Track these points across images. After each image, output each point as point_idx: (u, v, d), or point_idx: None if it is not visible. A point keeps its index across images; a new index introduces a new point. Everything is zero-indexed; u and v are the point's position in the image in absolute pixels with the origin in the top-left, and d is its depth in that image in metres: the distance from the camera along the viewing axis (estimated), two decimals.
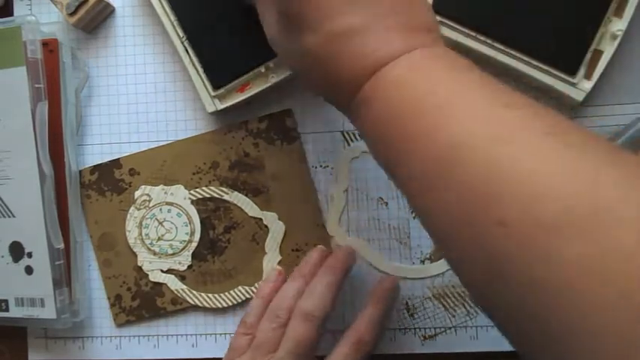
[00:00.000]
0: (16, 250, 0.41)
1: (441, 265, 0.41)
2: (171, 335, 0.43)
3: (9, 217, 0.41)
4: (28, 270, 0.41)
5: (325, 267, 0.38)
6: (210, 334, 0.43)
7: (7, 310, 0.42)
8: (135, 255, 0.43)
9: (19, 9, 0.45)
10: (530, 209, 0.20)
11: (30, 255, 0.41)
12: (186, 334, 0.43)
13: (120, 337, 0.44)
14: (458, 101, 0.24)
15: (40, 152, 0.40)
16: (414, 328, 0.41)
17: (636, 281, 0.18)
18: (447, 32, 0.38)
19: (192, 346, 0.43)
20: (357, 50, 0.26)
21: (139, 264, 0.43)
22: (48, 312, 0.41)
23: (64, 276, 0.41)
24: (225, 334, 0.43)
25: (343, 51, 0.27)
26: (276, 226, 0.42)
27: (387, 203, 0.41)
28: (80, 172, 0.44)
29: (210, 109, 0.40)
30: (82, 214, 0.44)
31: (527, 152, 0.21)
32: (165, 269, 0.43)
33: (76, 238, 0.42)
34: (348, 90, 0.27)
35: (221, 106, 0.40)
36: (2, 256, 0.42)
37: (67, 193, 0.42)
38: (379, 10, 0.27)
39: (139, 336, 0.44)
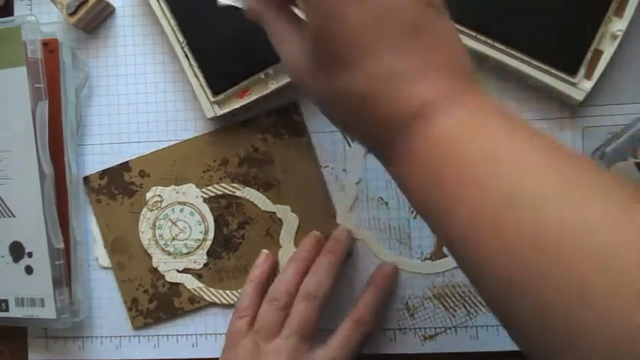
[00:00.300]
0: (16, 250, 0.41)
1: (442, 264, 0.41)
2: (171, 335, 0.43)
3: (9, 217, 0.41)
4: (28, 270, 0.41)
5: (325, 249, 0.39)
6: (211, 334, 0.43)
7: (7, 310, 0.42)
8: (150, 257, 0.43)
9: (19, 9, 0.45)
10: (614, 280, 0.19)
11: (30, 255, 0.41)
12: (187, 334, 0.43)
13: (120, 337, 0.44)
14: (509, 155, 0.23)
15: (40, 152, 0.40)
16: (414, 328, 0.41)
17: None
18: None
19: (193, 346, 0.43)
20: (398, 94, 0.25)
21: (155, 265, 0.43)
22: (48, 312, 0.41)
23: (64, 276, 0.41)
24: (223, 334, 0.43)
25: (384, 94, 0.25)
26: (289, 219, 0.42)
27: (387, 203, 0.41)
28: (89, 177, 0.44)
29: (210, 114, 0.40)
30: (81, 214, 0.44)
31: (592, 210, 0.21)
32: (181, 269, 0.43)
33: (76, 238, 0.42)
34: (387, 135, 0.26)
35: (220, 111, 0.40)
36: (2, 256, 0.42)
37: (67, 193, 0.42)
38: (424, 52, 0.25)
39: (138, 336, 0.44)
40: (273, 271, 0.41)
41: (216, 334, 0.43)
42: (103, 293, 0.44)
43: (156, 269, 0.43)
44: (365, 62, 0.25)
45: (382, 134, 0.26)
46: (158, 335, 0.43)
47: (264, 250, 0.41)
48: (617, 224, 0.20)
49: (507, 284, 0.22)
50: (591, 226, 0.20)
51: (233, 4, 0.32)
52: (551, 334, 0.21)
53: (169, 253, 0.43)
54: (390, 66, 0.25)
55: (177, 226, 0.43)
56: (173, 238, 0.43)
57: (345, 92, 0.26)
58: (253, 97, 0.40)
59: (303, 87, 0.29)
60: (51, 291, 0.41)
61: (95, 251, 0.44)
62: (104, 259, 0.44)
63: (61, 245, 0.41)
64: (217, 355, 0.43)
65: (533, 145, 0.23)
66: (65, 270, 0.41)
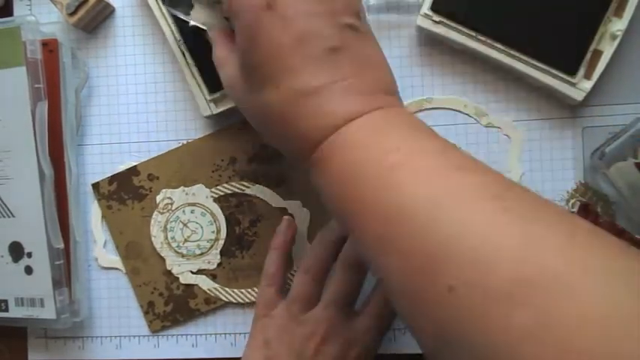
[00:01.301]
0: (16, 250, 0.41)
1: None
2: (172, 335, 0.43)
3: (9, 217, 0.41)
4: (28, 270, 0.41)
5: None
6: (211, 334, 0.43)
7: (6, 310, 0.42)
8: (163, 260, 0.43)
9: (19, 9, 0.45)
10: (480, 277, 0.20)
11: (30, 255, 0.41)
12: (187, 334, 0.43)
13: (120, 337, 0.44)
14: (411, 164, 0.24)
15: (40, 152, 0.40)
16: None
17: (576, 353, 0.18)
18: (446, 32, 0.38)
19: (192, 345, 0.43)
20: (316, 109, 0.27)
21: (168, 268, 0.43)
22: (48, 312, 0.41)
23: (63, 276, 0.41)
24: (222, 333, 0.43)
25: (303, 109, 0.27)
26: (301, 214, 0.42)
27: None
28: (99, 183, 0.44)
29: (206, 112, 0.40)
30: (81, 214, 0.44)
31: (476, 217, 0.22)
32: (195, 270, 0.43)
33: (76, 238, 0.42)
34: (306, 147, 0.28)
35: (217, 110, 0.40)
36: (2, 256, 0.42)
37: (67, 193, 0.42)
38: (341, 71, 0.27)
39: (139, 336, 0.44)
40: (295, 236, 0.40)
41: (216, 334, 0.43)
42: (103, 293, 0.44)
43: (170, 272, 0.43)
44: (284, 80, 0.27)
45: (303, 147, 0.28)
46: (158, 335, 0.43)
47: (286, 217, 0.41)
48: (496, 228, 0.21)
49: (411, 288, 0.23)
50: (472, 228, 0.21)
51: (200, 26, 0.35)
52: (423, 322, 0.22)
53: (183, 255, 0.43)
54: (306, 84, 0.27)
55: (189, 227, 0.43)
56: (185, 240, 0.43)
57: (267, 107, 0.28)
58: None
59: (236, 102, 0.32)
60: (51, 291, 0.41)
61: (95, 251, 0.44)
62: (104, 259, 0.44)
63: (61, 245, 0.41)
64: (217, 355, 0.43)
65: (427, 151, 0.25)
66: (65, 270, 0.41)
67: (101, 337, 0.44)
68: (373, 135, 0.26)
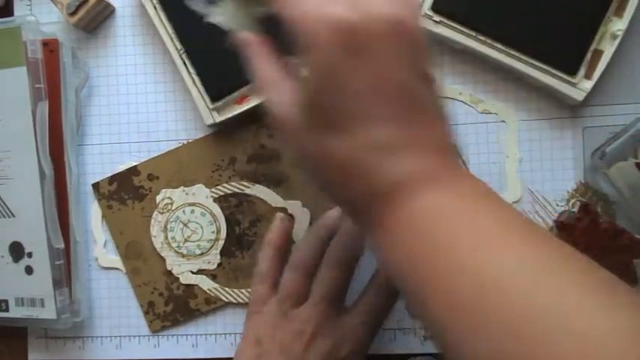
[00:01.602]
0: (16, 250, 0.41)
1: None
2: (172, 335, 0.43)
3: (9, 217, 0.41)
4: (28, 270, 0.41)
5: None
6: (211, 334, 0.43)
7: (7, 310, 0.42)
8: (163, 260, 0.43)
9: (19, 9, 0.45)
10: None
11: (30, 255, 0.41)
12: (187, 334, 0.43)
13: (120, 337, 0.44)
14: (493, 241, 0.23)
15: (40, 152, 0.40)
16: (414, 328, 0.41)
17: None
18: (447, 32, 0.38)
19: (193, 345, 0.43)
20: (381, 166, 0.25)
21: (169, 268, 0.43)
22: (48, 312, 0.41)
23: (64, 276, 0.41)
24: (222, 333, 0.43)
25: (366, 163, 0.25)
26: (301, 214, 0.42)
27: None
28: (99, 183, 0.44)
29: (209, 121, 0.41)
30: (81, 214, 0.44)
31: (576, 309, 0.20)
32: (195, 270, 0.43)
33: (76, 238, 0.42)
34: (363, 204, 0.26)
35: (219, 118, 0.40)
36: (2, 256, 0.42)
37: (67, 193, 0.42)
38: (412, 127, 0.25)
39: (139, 336, 0.44)
40: (290, 234, 0.40)
41: (216, 334, 0.43)
42: (103, 293, 0.44)
43: (170, 272, 0.43)
44: (358, 129, 0.25)
45: (360, 202, 0.26)
46: (158, 335, 0.43)
47: (279, 214, 0.40)
48: (594, 315, 0.20)
49: None
50: (568, 313, 0.20)
51: (223, 24, 0.32)
52: None
53: (183, 255, 0.43)
54: (380, 137, 0.24)
55: (189, 227, 0.43)
56: (186, 240, 0.43)
57: (330, 155, 0.26)
58: (252, 104, 0.40)
59: (287, 139, 0.28)
60: (51, 291, 0.41)
61: (95, 251, 0.44)
62: (104, 259, 0.44)
63: (61, 245, 0.41)
64: (218, 355, 0.43)
65: (509, 231, 0.23)
66: (65, 270, 0.41)
67: (101, 337, 0.44)
68: (447, 205, 0.24)
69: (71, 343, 0.44)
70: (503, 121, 0.41)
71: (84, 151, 0.44)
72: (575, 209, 0.39)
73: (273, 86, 0.28)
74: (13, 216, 0.41)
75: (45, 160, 0.40)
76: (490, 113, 0.41)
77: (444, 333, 0.23)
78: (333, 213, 0.38)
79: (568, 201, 0.40)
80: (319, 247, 0.37)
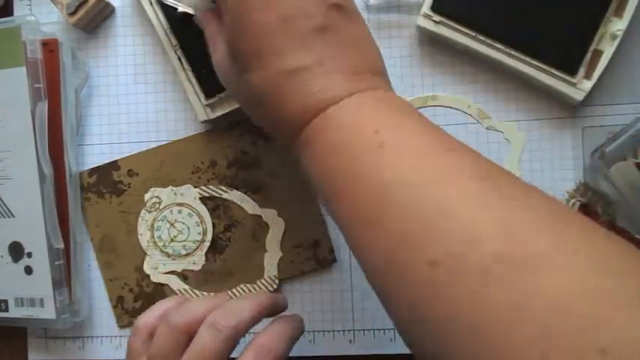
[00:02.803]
0: (16, 250, 0.41)
1: None
2: None
3: (9, 217, 0.41)
4: (28, 270, 0.41)
5: (256, 295, 0.33)
6: None
7: (6, 310, 0.42)
8: (137, 256, 0.43)
9: (19, 9, 0.45)
10: (461, 252, 0.21)
11: (30, 255, 0.41)
12: None
13: (120, 337, 0.44)
14: (398, 143, 0.25)
15: (40, 152, 0.40)
16: None
17: (544, 328, 0.18)
18: (447, 32, 0.38)
19: None
20: (302, 89, 0.27)
21: (154, 266, 0.43)
22: (47, 312, 0.41)
23: (63, 276, 0.41)
24: None
25: (289, 89, 0.27)
26: (276, 223, 0.42)
27: None
28: (79, 174, 0.44)
29: (202, 117, 0.41)
30: (82, 215, 0.44)
31: (462, 195, 0.22)
32: (180, 270, 0.43)
33: (76, 238, 0.42)
34: (293, 128, 0.28)
35: (213, 115, 0.40)
36: (2, 256, 0.42)
37: (67, 193, 0.42)
38: (327, 51, 0.27)
39: None
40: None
41: None
42: (103, 293, 0.44)
43: (142, 269, 0.43)
44: (269, 61, 0.27)
45: (291, 128, 0.28)
46: None
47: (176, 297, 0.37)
48: (481, 206, 0.22)
49: (392, 261, 0.23)
50: (457, 204, 0.22)
51: (189, 11, 0.36)
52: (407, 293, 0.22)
53: (168, 255, 0.43)
54: (291, 64, 0.27)
55: (176, 227, 0.43)
56: (172, 240, 0.43)
57: (254, 89, 0.28)
58: None
59: (224, 84, 0.32)
60: (50, 291, 0.41)
61: (95, 251, 0.44)
62: None
63: (61, 245, 0.41)
64: None
65: (415, 132, 0.25)
66: (65, 270, 0.41)
67: (101, 337, 0.44)
68: (360, 115, 0.26)
69: (71, 343, 0.44)
70: (508, 140, 0.40)
71: (84, 151, 0.44)
72: (575, 209, 0.39)
73: (214, 43, 0.32)
74: (13, 216, 0.41)
75: (44, 160, 0.40)
76: (496, 131, 0.41)
77: (349, 231, 0.25)
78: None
79: (568, 201, 0.40)
80: (206, 310, 0.31)
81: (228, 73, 0.30)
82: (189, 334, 0.31)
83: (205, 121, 0.41)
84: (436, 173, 0.23)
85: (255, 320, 0.32)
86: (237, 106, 0.40)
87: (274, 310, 0.34)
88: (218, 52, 0.31)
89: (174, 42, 0.40)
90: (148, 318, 0.33)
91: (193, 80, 0.40)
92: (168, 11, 0.40)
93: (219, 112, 0.40)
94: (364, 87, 0.27)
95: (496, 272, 0.20)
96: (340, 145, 0.26)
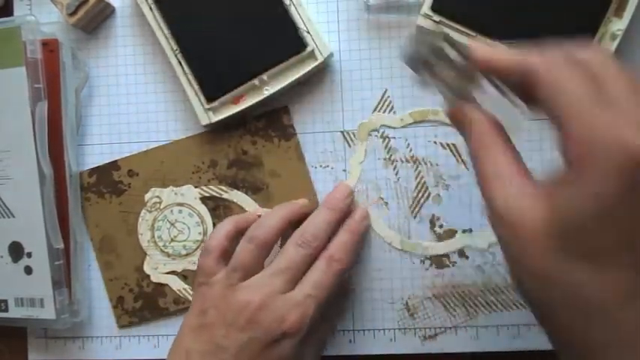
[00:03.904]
0: (16, 250, 0.41)
1: (442, 265, 0.41)
2: (171, 335, 0.43)
3: (9, 217, 0.41)
4: (28, 270, 0.41)
5: (324, 207, 0.38)
6: None
7: (6, 310, 0.42)
8: (137, 256, 0.43)
9: (19, 9, 0.45)
10: None
11: (29, 255, 0.41)
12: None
13: (120, 337, 0.44)
14: None
15: (40, 152, 0.40)
16: (414, 328, 0.41)
17: None
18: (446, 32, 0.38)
19: None
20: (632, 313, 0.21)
21: (154, 266, 0.43)
22: (47, 312, 0.41)
23: (63, 276, 0.41)
24: None
25: (618, 311, 0.21)
26: None
27: (387, 203, 0.41)
28: (80, 174, 0.44)
29: (204, 121, 0.41)
30: (82, 215, 0.44)
31: None
32: (180, 270, 0.43)
33: (76, 239, 0.42)
34: (598, 351, 0.22)
35: (214, 118, 0.40)
36: (2, 257, 0.42)
37: (67, 193, 0.42)
38: None
39: (139, 336, 0.44)
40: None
41: None
42: (103, 293, 0.44)
43: (142, 269, 0.43)
44: (609, 269, 0.21)
45: (590, 349, 0.22)
46: (158, 335, 0.43)
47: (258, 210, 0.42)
48: None
49: None
50: None
51: (423, 83, 0.28)
52: None
53: (168, 255, 0.43)
54: (628, 280, 0.21)
55: (176, 227, 0.43)
56: (172, 240, 0.43)
57: (577, 292, 0.21)
58: (247, 104, 0.40)
59: (519, 255, 0.23)
60: (50, 291, 0.41)
61: (95, 251, 0.44)
62: None
63: (61, 245, 0.41)
64: None
65: None
66: (65, 270, 0.41)
67: (101, 337, 0.44)
68: None
69: (71, 343, 0.44)
70: None
71: (84, 151, 0.44)
72: None
73: (504, 181, 0.24)
74: (13, 216, 0.41)
75: (44, 160, 0.40)
76: None
77: None
78: (301, 201, 0.40)
79: None
80: (282, 225, 0.37)
81: (537, 246, 0.22)
82: (268, 247, 0.36)
83: (207, 125, 0.41)
84: None
85: (330, 230, 0.37)
86: (239, 109, 0.40)
87: (346, 213, 0.39)
88: (519, 198, 0.23)
89: (175, 46, 0.40)
90: (219, 239, 0.37)
91: (194, 84, 0.40)
92: (168, 15, 0.40)
93: (220, 116, 0.40)
94: None
95: None
96: None
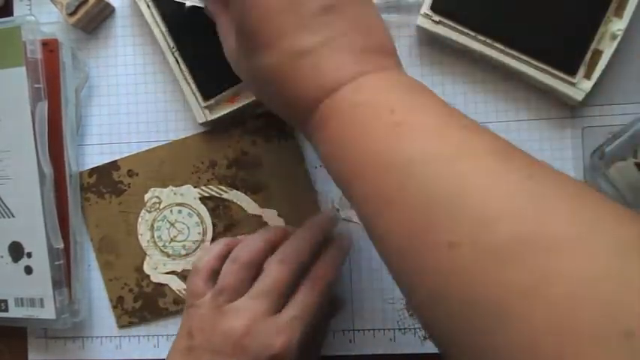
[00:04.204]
0: (16, 250, 0.41)
1: None
2: (172, 335, 0.43)
3: (9, 217, 0.41)
4: (28, 270, 0.41)
5: (308, 225, 0.37)
6: None
7: (6, 310, 0.42)
8: (137, 256, 0.43)
9: (19, 9, 0.45)
10: (480, 232, 0.20)
11: (29, 255, 0.41)
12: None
13: (120, 337, 0.44)
14: (413, 120, 0.24)
15: (40, 152, 0.40)
16: (414, 328, 0.41)
17: (564, 313, 0.18)
18: (447, 32, 0.38)
19: None
20: (313, 70, 0.27)
21: (154, 266, 0.43)
22: (47, 312, 0.41)
23: (63, 276, 0.41)
24: None
25: (299, 71, 0.27)
26: (275, 223, 0.42)
27: None
28: (80, 174, 0.44)
29: (201, 119, 0.41)
30: (82, 215, 0.44)
31: (480, 173, 0.22)
32: (180, 270, 0.43)
33: (76, 238, 0.42)
34: (304, 110, 0.27)
35: (211, 116, 0.40)
36: (2, 256, 0.42)
37: (67, 193, 0.42)
38: (336, 31, 0.27)
39: (139, 336, 0.44)
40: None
41: None
42: (103, 293, 0.44)
43: (141, 269, 0.43)
44: (278, 42, 0.27)
45: (302, 110, 0.27)
46: (158, 335, 0.43)
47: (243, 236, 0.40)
48: (500, 185, 0.21)
49: (412, 244, 0.22)
50: (475, 183, 0.21)
51: (197, 4, 0.35)
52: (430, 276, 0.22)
53: (168, 255, 0.43)
54: (300, 44, 0.26)
55: (176, 227, 0.43)
56: (172, 240, 0.43)
57: (264, 72, 0.28)
58: (244, 102, 0.40)
59: (237, 72, 0.32)
60: (50, 291, 0.41)
61: (95, 251, 0.44)
62: None
63: (61, 245, 0.41)
64: None
65: (430, 111, 0.25)
66: (65, 270, 0.41)
67: (101, 337, 0.44)
68: (375, 95, 0.26)
69: (71, 343, 0.44)
70: None
71: (84, 151, 0.44)
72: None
73: (226, 32, 0.32)
74: (13, 216, 0.41)
75: (44, 160, 0.40)
76: None
77: (366, 212, 0.25)
78: (288, 227, 0.39)
79: None
80: (264, 245, 0.36)
81: (238, 58, 0.30)
82: (253, 267, 0.35)
83: (204, 123, 0.41)
84: (454, 150, 0.23)
85: (313, 249, 0.36)
86: (235, 107, 0.40)
87: (329, 233, 0.38)
88: (229, 41, 0.31)
89: (172, 44, 0.40)
90: (208, 259, 0.36)
91: (191, 82, 0.40)
92: (166, 13, 0.40)
93: (217, 114, 0.40)
94: (375, 67, 0.27)
95: (514, 253, 0.19)
96: (356, 125, 0.25)
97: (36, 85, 0.40)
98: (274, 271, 0.34)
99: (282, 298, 0.34)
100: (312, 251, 0.36)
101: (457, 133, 0.24)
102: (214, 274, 0.36)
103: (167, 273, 0.43)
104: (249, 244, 0.36)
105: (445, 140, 0.23)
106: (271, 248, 0.36)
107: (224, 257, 0.36)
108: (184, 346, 0.34)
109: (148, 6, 0.41)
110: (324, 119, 0.27)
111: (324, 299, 0.35)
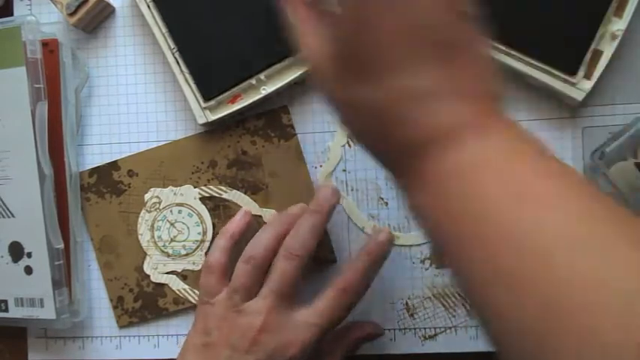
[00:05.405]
0: (16, 250, 0.41)
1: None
2: (172, 335, 0.43)
3: (9, 217, 0.41)
4: (28, 270, 0.41)
5: (310, 211, 0.37)
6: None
7: (6, 310, 0.42)
8: (137, 256, 0.43)
9: (19, 9, 0.45)
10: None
11: (29, 255, 0.41)
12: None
13: (120, 337, 0.44)
14: (539, 192, 0.22)
15: (40, 152, 0.40)
16: (414, 328, 0.41)
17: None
18: None
19: None
20: (420, 116, 0.24)
21: (154, 266, 0.43)
22: (47, 312, 0.41)
23: (63, 276, 0.41)
24: None
25: (405, 113, 0.24)
26: None
27: (387, 203, 0.41)
28: (80, 174, 0.44)
29: (201, 120, 0.41)
30: (82, 215, 0.44)
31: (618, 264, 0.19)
32: (180, 270, 0.43)
33: (76, 238, 0.42)
34: (401, 156, 0.25)
35: (212, 117, 0.40)
36: (2, 256, 0.42)
37: (66, 193, 0.42)
38: (454, 74, 0.24)
39: (139, 336, 0.44)
40: (250, 229, 0.39)
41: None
42: (103, 293, 0.44)
43: (142, 269, 0.43)
44: (391, 77, 0.24)
45: (397, 154, 0.25)
46: (158, 335, 0.43)
47: (244, 208, 0.41)
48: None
49: (522, 339, 0.20)
50: (605, 275, 0.19)
51: None
52: None
53: (168, 255, 0.43)
54: (416, 85, 0.23)
55: (176, 227, 0.43)
56: (172, 240, 0.43)
57: (366, 104, 0.25)
58: (245, 103, 0.40)
59: (322, 89, 0.28)
60: (50, 291, 0.41)
61: (95, 251, 0.44)
62: None
63: (61, 245, 0.41)
64: None
65: (558, 186, 0.22)
66: (65, 270, 0.41)
67: (101, 337, 0.44)
68: (497, 155, 0.23)
69: (71, 343, 0.44)
70: None
71: (84, 151, 0.44)
72: None
73: (309, 33, 0.28)
74: (13, 216, 0.41)
75: (44, 160, 0.40)
76: None
77: (479, 293, 0.22)
78: (294, 209, 0.38)
79: None
80: (275, 241, 0.36)
81: (329, 76, 0.26)
82: (266, 265, 0.36)
83: (204, 124, 0.41)
84: (581, 235, 0.20)
85: (318, 240, 0.36)
86: (235, 108, 0.40)
87: (330, 215, 0.37)
88: (313, 46, 0.27)
89: (172, 45, 0.40)
90: (219, 258, 0.37)
91: (191, 83, 0.40)
92: (166, 14, 0.40)
93: (217, 115, 0.40)
94: (489, 117, 0.24)
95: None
96: (466, 186, 0.23)
97: (36, 85, 0.40)
98: (280, 269, 0.35)
99: (291, 288, 0.35)
100: (319, 237, 0.36)
101: (579, 218, 0.21)
102: (226, 270, 0.37)
103: (167, 273, 0.43)
104: (261, 242, 0.36)
105: (565, 225, 0.21)
106: (280, 241, 0.36)
107: (230, 250, 0.37)
108: (201, 342, 0.35)
109: (149, 6, 0.41)
110: (428, 172, 0.24)
111: (348, 310, 0.36)
